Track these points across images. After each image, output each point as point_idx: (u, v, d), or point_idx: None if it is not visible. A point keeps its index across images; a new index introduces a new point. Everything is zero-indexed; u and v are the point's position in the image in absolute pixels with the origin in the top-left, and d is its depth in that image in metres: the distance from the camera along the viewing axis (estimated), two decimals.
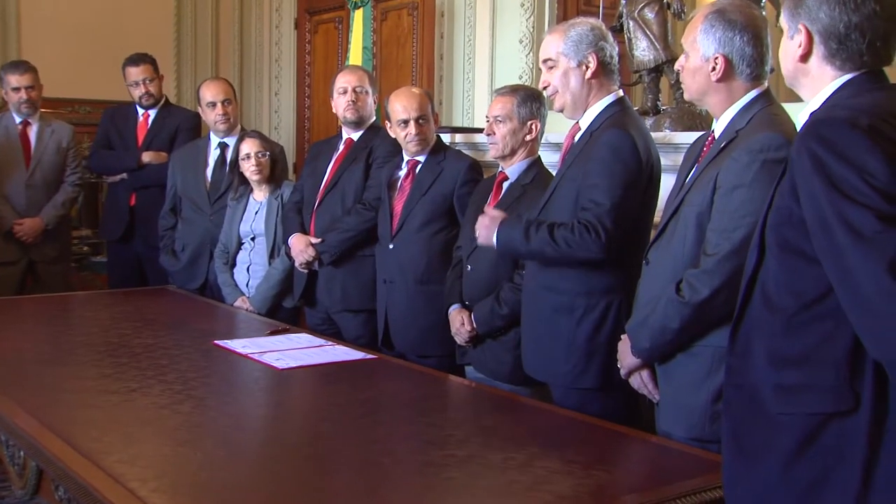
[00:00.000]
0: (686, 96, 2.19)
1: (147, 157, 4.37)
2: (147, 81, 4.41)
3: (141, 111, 4.48)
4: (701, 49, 2.03)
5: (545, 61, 2.47)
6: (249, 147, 3.66)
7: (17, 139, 4.36)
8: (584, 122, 2.47)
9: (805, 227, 1.42)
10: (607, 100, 2.45)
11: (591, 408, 2.32)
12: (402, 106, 3.16)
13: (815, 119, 1.45)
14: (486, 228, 2.45)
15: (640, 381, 2.16)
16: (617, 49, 2.51)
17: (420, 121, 3.15)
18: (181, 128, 4.46)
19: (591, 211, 2.29)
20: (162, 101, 4.51)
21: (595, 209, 2.29)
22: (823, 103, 1.52)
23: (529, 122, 2.79)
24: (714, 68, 2.01)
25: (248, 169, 3.66)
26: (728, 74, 2.02)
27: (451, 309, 2.90)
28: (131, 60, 4.43)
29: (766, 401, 1.47)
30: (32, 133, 4.41)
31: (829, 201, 1.36)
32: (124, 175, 4.42)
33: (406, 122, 3.15)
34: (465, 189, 3.11)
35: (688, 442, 2.00)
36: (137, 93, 4.43)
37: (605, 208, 2.28)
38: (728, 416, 1.58)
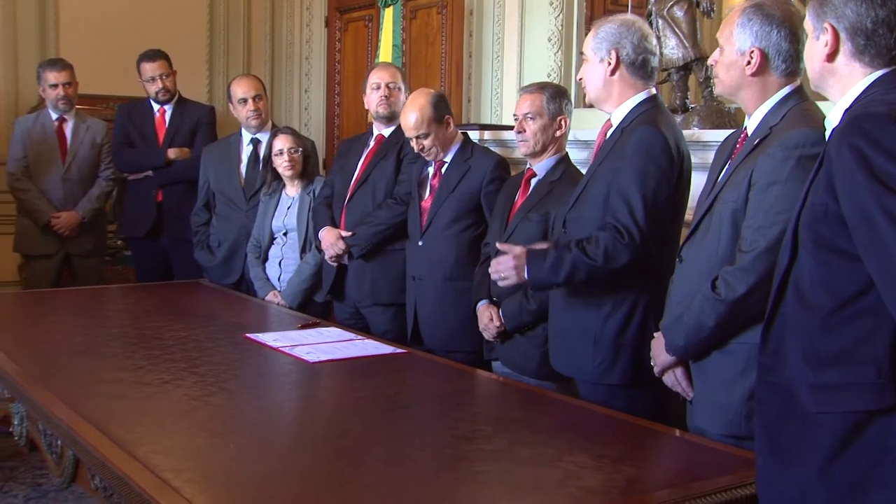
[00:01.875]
0: (718, 90, 2.18)
1: (172, 153, 4.40)
2: (164, 77, 4.44)
3: (156, 107, 4.51)
4: (737, 42, 2.02)
5: (581, 54, 2.51)
6: (282, 143, 3.69)
7: (53, 135, 4.46)
8: (616, 118, 2.47)
9: (842, 223, 1.40)
10: (639, 97, 2.44)
11: (617, 404, 2.31)
12: (404, 128, 3.19)
13: (855, 115, 1.43)
14: (515, 269, 2.38)
15: (674, 379, 2.15)
16: (652, 46, 2.45)
17: (420, 137, 3.15)
18: (202, 122, 4.50)
19: (623, 213, 2.28)
20: (176, 97, 4.54)
21: (627, 212, 2.28)
22: (855, 100, 1.51)
23: (559, 118, 2.79)
24: (749, 62, 2.00)
25: (281, 165, 3.69)
26: (763, 69, 2.01)
27: (479, 304, 2.91)
28: (147, 56, 4.45)
29: (803, 400, 1.45)
30: (68, 129, 4.49)
31: (872, 195, 1.34)
32: (149, 172, 4.45)
33: (410, 139, 3.19)
34: (492, 186, 3.11)
35: (723, 439, 1.99)
36: (154, 88, 4.45)
37: (639, 211, 2.27)
38: (761, 416, 1.56)
